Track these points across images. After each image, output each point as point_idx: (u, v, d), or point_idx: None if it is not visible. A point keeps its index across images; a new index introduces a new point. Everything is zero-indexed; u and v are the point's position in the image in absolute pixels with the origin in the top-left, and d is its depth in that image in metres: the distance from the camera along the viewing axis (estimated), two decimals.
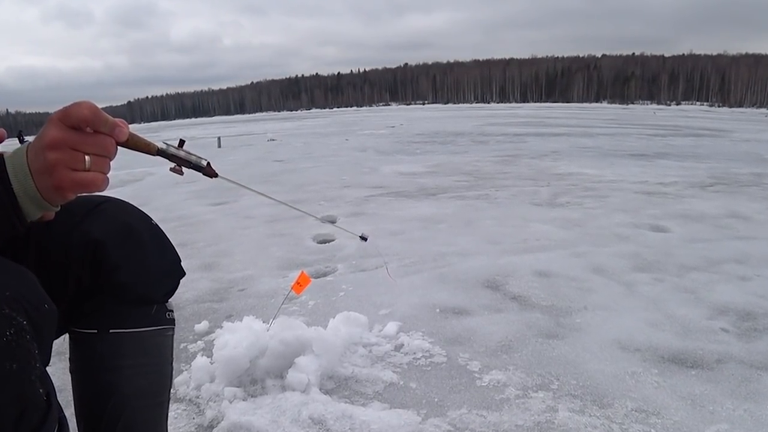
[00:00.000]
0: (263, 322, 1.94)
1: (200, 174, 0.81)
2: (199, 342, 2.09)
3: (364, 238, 1.19)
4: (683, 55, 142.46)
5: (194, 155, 0.79)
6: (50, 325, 0.74)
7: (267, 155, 10.63)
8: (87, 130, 0.68)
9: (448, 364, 1.86)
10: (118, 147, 0.72)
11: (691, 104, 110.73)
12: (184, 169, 0.79)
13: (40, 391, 0.69)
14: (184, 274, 1.05)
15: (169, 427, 1.09)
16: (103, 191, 0.71)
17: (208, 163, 0.81)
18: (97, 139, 0.68)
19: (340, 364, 1.83)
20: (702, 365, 1.81)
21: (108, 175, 0.71)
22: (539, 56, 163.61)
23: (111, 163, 0.72)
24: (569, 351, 1.93)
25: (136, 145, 0.74)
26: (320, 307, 2.40)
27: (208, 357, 1.82)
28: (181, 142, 0.79)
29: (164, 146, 0.77)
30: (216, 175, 0.82)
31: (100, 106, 0.69)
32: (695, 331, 2.07)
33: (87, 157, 0.67)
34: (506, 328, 2.13)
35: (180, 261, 1.04)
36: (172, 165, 0.79)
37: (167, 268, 1.01)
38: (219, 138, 14.83)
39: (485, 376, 1.76)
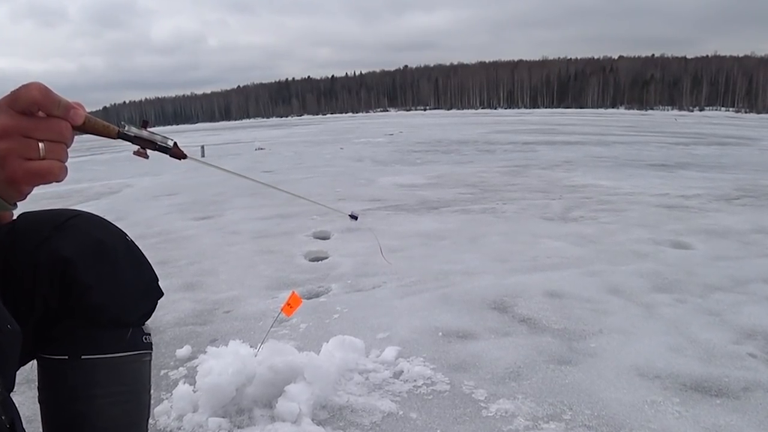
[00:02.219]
0: (251, 346, 1.94)
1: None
2: (180, 368, 2.09)
3: (354, 217, 1.21)
4: (707, 56, 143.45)
5: (159, 135, 0.80)
6: (14, 347, 0.74)
7: (255, 165, 10.66)
8: (39, 115, 0.67)
9: (452, 392, 1.86)
10: (76, 131, 0.71)
11: (716, 110, 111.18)
12: (149, 152, 0.80)
13: (3, 418, 0.69)
14: (161, 294, 1.06)
15: None
16: (62, 181, 0.71)
17: (175, 144, 0.81)
18: (50, 124, 0.68)
19: (335, 392, 1.83)
20: (727, 394, 1.81)
21: (66, 164, 0.71)
22: (550, 58, 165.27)
23: (70, 151, 0.71)
24: (583, 378, 1.93)
25: (94, 128, 0.74)
26: (313, 331, 2.40)
27: (190, 384, 1.82)
28: (145, 123, 0.80)
29: (125, 127, 0.77)
30: (184, 156, 0.82)
31: None
32: (720, 357, 2.07)
33: (41, 145, 0.67)
34: (515, 353, 2.13)
35: (157, 280, 1.05)
36: (136, 148, 0.79)
37: (143, 288, 1.02)
38: (203, 147, 14.87)
39: (492, 405, 1.76)
